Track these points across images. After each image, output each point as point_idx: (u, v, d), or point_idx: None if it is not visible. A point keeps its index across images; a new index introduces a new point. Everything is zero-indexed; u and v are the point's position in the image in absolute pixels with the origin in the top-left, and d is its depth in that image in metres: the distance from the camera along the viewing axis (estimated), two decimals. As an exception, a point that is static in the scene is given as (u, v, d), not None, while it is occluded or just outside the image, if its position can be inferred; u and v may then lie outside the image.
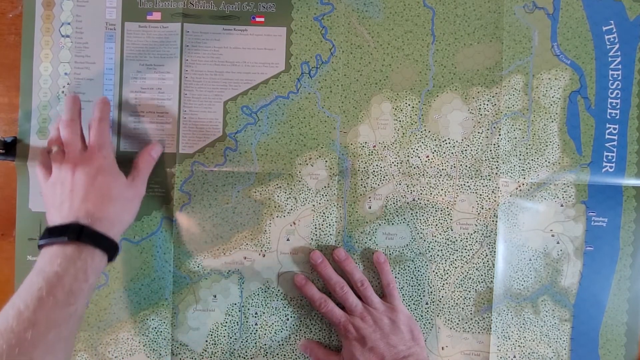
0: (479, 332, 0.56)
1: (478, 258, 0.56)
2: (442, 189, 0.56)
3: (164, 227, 0.56)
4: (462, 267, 0.56)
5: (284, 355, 0.57)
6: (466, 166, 0.56)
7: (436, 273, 0.56)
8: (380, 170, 0.56)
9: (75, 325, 0.43)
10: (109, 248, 0.47)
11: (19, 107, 0.57)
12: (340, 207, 0.56)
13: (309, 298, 0.54)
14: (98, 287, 0.56)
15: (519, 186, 0.56)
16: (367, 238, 0.56)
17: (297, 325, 0.56)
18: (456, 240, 0.56)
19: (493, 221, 0.56)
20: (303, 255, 0.56)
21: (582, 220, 0.56)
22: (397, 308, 0.54)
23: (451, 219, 0.56)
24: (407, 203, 0.56)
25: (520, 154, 0.56)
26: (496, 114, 0.56)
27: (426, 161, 0.56)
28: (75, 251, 0.44)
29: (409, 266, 0.56)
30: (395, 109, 0.56)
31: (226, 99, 0.56)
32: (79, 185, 0.47)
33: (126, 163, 0.56)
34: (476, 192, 0.56)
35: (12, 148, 0.56)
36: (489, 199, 0.56)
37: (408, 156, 0.56)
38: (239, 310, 0.56)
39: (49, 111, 0.57)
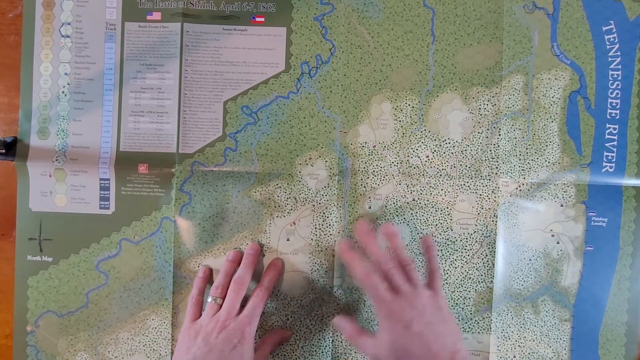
0: (479, 332, 0.56)
1: (478, 258, 0.56)
2: (442, 189, 0.56)
3: (164, 227, 0.56)
4: (462, 267, 0.56)
5: (284, 355, 0.57)
6: (466, 166, 0.56)
7: (436, 273, 0.56)
8: (380, 170, 0.56)
9: None
10: None
11: (19, 107, 0.57)
12: (340, 207, 0.56)
13: (352, 266, 0.51)
14: (98, 287, 0.56)
15: (519, 186, 0.56)
16: (367, 238, 0.56)
17: (297, 325, 0.56)
18: (456, 240, 0.56)
19: (493, 221, 0.56)
20: (303, 255, 0.56)
21: (582, 220, 0.56)
22: (441, 297, 0.50)
23: (451, 219, 0.56)
24: (407, 203, 0.56)
25: (520, 154, 0.56)
26: (496, 114, 0.56)
27: (426, 161, 0.56)
28: None
29: (409, 266, 0.56)
30: (395, 109, 0.56)
31: (226, 99, 0.56)
32: (216, 351, 0.49)
33: (126, 163, 0.56)
34: (476, 192, 0.56)
35: (12, 148, 0.56)
36: (489, 199, 0.56)
37: (408, 156, 0.56)
38: (239, 310, 0.56)
39: (49, 111, 0.57)
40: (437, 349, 0.46)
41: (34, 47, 0.56)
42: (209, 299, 0.53)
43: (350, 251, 0.52)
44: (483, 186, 0.56)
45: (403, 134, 0.56)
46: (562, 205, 0.56)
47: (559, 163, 0.56)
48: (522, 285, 0.56)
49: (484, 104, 0.56)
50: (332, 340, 0.56)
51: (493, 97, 0.56)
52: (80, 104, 0.57)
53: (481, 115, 0.56)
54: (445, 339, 0.47)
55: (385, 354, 0.47)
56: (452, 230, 0.56)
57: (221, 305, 0.52)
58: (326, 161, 0.56)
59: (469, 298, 0.56)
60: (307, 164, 0.56)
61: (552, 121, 0.56)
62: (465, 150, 0.56)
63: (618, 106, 0.56)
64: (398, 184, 0.56)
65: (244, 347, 0.50)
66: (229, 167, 0.56)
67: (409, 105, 0.56)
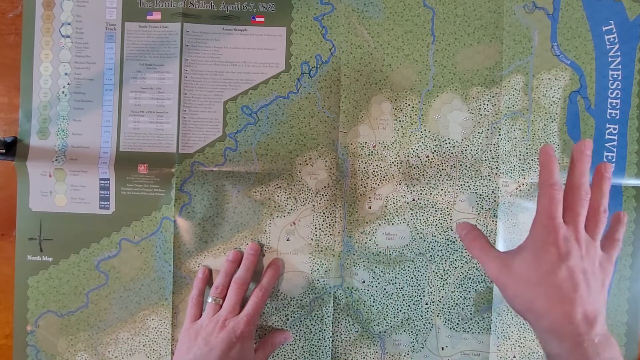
0: (479, 332, 0.56)
1: (478, 258, 0.56)
2: (442, 189, 0.56)
3: (164, 227, 0.56)
4: (462, 267, 0.56)
5: (284, 355, 0.57)
6: (466, 166, 0.56)
7: (436, 273, 0.56)
8: (380, 170, 0.56)
9: None
10: None
11: (19, 107, 0.57)
12: (340, 207, 0.56)
13: (544, 168, 0.44)
14: (98, 287, 0.56)
15: (519, 186, 0.56)
16: (367, 238, 0.56)
17: (297, 325, 0.56)
18: (456, 240, 0.56)
19: (493, 221, 0.56)
20: (303, 255, 0.56)
21: (582, 220, 0.56)
22: (611, 264, 0.43)
23: (451, 219, 0.56)
24: (407, 203, 0.56)
25: (520, 154, 0.56)
26: (496, 114, 0.56)
27: (426, 161, 0.56)
28: None
29: (409, 266, 0.56)
30: (395, 109, 0.56)
31: (226, 99, 0.56)
32: (217, 350, 0.49)
33: (125, 163, 0.56)
34: (476, 192, 0.56)
35: (12, 148, 0.56)
36: (489, 199, 0.56)
37: (408, 156, 0.56)
38: (239, 310, 0.56)
39: (49, 111, 0.57)
40: (580, 296, 0.40)
41: (34, 47, 0.56)
42: (209, 300, 0.53)
43: (553, 155, 0.44)
44: (483, 186, 0.56)
45: (403, 134, 0.56)
46: (562, 205, 0.56)
47: (559, 163, 0.56)
48: (522, 285, 0.56)
49: (484, 104, 0.56)
50: (332, 340, 0.56)
51: (493, 97, 0.56)
52: (80, 104, 0.57)
53: (481, 115, 0.56)
54: (592, 295, 0.40)
55: (520, 273, 0.42)
56: (452, 230, 0.56)
57: (221, 306, 0.52)
58: (326, 161, 0.56)
59: (469, 298, 0.56)
60: (307, 164, 0.56)
61: (552, 121, 0.56)
62: (465, 150, 0.56)
63: (618, 106, 0.56)
64: (398, 184, 0.56)
65: (244, 346, 0.50)
66: (229, 167, 0.56)
67: (409, 105, 0.56)
